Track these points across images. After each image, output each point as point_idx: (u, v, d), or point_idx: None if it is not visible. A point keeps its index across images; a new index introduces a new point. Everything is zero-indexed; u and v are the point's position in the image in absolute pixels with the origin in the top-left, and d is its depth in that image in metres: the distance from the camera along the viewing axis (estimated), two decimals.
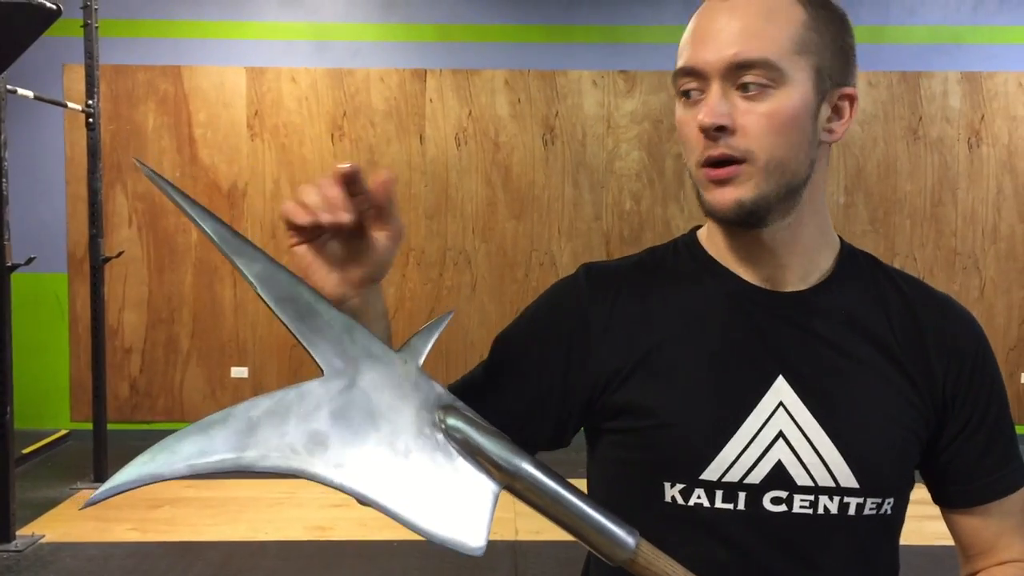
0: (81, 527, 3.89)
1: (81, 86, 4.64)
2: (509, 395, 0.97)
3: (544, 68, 5.53)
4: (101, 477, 4.52)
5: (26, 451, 4.84)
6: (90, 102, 4.51)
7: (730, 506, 0.90)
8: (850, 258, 1.01)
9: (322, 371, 0.62)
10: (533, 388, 0.97)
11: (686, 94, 0.91)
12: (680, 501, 0.92)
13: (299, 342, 0.63)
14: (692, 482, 0.91)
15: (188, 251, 5.47)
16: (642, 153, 5.52)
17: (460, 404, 0.67)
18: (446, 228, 5.52)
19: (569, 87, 5.53)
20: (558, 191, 5.52)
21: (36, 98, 4.07)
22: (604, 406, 0.96)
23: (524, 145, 5.52)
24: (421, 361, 0.66)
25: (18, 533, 3.72)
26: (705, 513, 0.91)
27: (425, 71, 5.50)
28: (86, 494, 4.34)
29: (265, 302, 0.63)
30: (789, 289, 0.97)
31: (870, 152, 5.53)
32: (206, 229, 0.64)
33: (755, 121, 0.87)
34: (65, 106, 4.53)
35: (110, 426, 4.69)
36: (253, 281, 0.62)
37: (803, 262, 0.97)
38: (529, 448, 0.97)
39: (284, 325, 0.62)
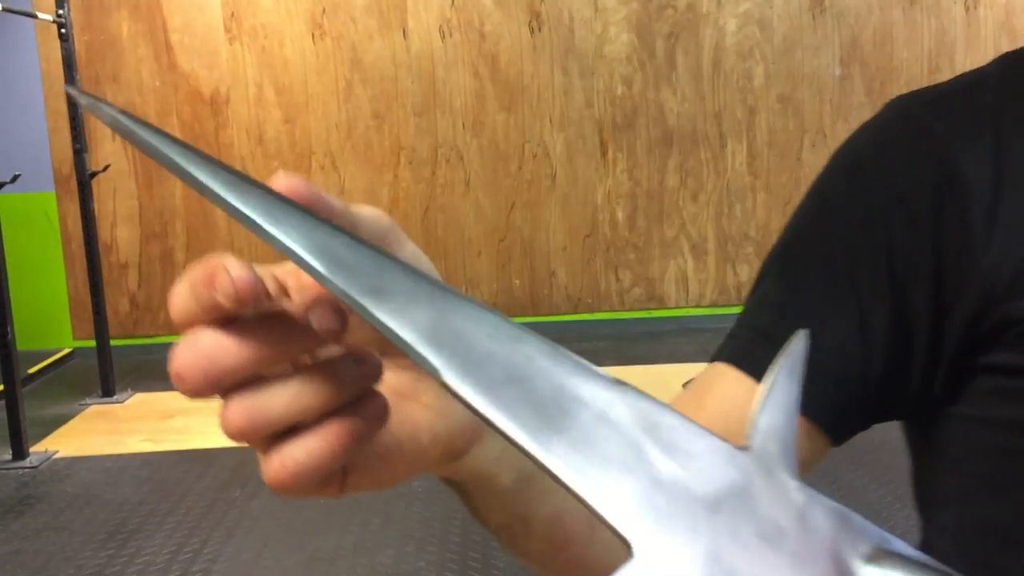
0: (94, 441, 3.93)
1: None
2: (843, 331, 0.60)
3: None
4: (109, 392, 4.55)
5: (32, 371, 4.86)
6: (60, 12, 4.36)
7: None
8: None
9: (630, 548, 0.27)
10: (886, 311, 0.60)
11: None
12: None
13: (528, 454, 0.29)
14: None
15: None
16: (632, 35, 5.37)
17: (896, 543, 0.31)
18: (436, 124, 5.42)
19: None
20: (548, 80, 5.40)
21: (5, 10, 3.94)
22: (999, 323, 0.57)
23: (510, 34, 5.37)
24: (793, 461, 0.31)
25: (32, 450, 3.77)
26: None
27: None
28: (96, 409, 4.38)
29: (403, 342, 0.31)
30: None
31: (865, 20, 5.39)
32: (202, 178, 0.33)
33: None
34: (35, 17, 4.38)
35: (113, 342, 4.69)
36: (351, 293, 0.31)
37: None
38: (883, 414, 0.63)
39: (465, 402, 0.30)
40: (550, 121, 5.43)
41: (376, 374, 0.35)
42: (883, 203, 0.60)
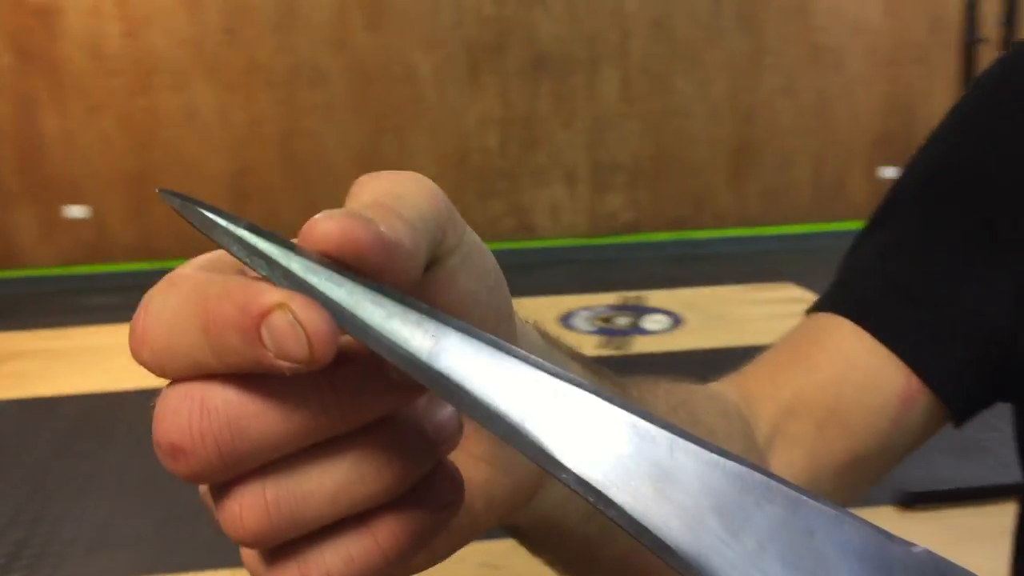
0: None
1: None
2: (993, 299, 0.51)
3: None
4: None
5: None
6: None
7: None
8: None
9: None
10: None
11: None
12: None
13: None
14: None
15: None
16: None
17: None
18: (294, 42, 5.06)
19: None
20: None
21: None
22: None
23: None
24: None
25: None
26: None
27: None
28: None
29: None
30: None
31: None
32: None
33: None
34: None
35: None
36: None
37: None
38: (1014, 393, 0.53)
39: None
40: (417, 42, 5.15)
41: (457, 434, 0.24)
42: None
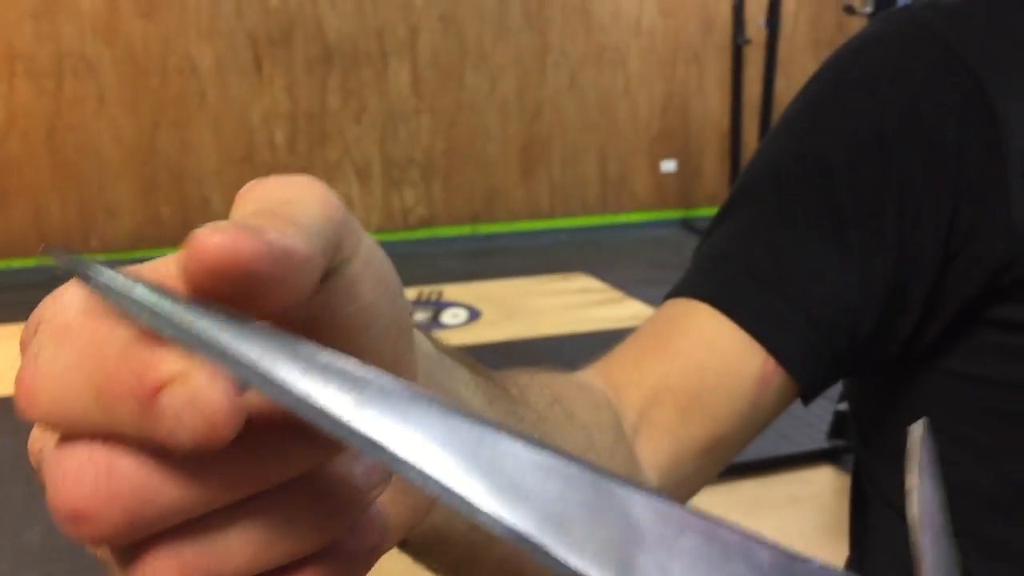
0: None
1: None
2: (841, 281, 0.52)
3: None
4: None
5: None
6: None
7: None
8: None
9: None
10: (890, 258, 0.52)
11: None
12: None
13: None
14: None
15: None
16: None
17: None
18: (59, 29, 4.70)
19: None
20: None
21: None
22: (1022, 278, 0.51)
23: None
24: None
25: None
26: None
27: None
28: None
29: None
30: None
31: None
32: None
33: None
34: None
35: None
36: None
37: None
38: (856, 370, 0.56)
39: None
40: (196, 32, 4.92)
41: (389, 477, 0.22)
42: (899, 133, 0.51)
